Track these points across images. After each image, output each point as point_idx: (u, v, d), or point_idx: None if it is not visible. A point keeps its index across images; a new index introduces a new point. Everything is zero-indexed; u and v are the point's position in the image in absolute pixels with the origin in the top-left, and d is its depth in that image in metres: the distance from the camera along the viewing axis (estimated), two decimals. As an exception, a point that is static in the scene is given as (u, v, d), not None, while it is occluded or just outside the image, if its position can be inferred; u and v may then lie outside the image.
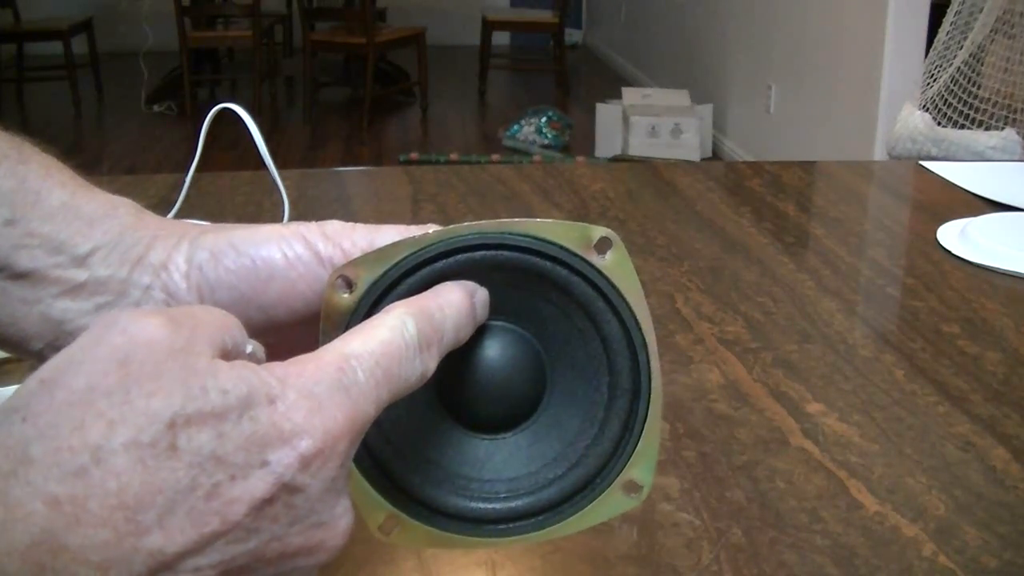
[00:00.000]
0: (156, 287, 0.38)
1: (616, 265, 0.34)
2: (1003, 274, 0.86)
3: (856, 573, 0.48)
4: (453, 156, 4.54)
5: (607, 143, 4.71)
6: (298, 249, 0.36)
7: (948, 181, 1.11)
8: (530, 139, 4.79)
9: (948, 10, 1.57)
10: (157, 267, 0.38)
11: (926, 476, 0.56)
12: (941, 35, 1.57)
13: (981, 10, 1.50)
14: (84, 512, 0.24)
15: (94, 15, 5.91)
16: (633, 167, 1.19)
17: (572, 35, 7.34)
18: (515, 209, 1.01)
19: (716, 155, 4.73)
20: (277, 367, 0.29)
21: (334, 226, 0.37)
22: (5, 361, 0.66)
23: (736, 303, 0.79)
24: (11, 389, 0.60)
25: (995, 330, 0.75)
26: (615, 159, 4.47)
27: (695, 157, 4.47)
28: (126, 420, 0.25)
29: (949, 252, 0.90)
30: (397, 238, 0.35)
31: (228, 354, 0.29)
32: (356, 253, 0.35)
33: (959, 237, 0.92)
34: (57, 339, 0.39)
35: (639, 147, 4.53)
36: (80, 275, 0.38)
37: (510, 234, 0.33)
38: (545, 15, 6.09)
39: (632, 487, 0.35)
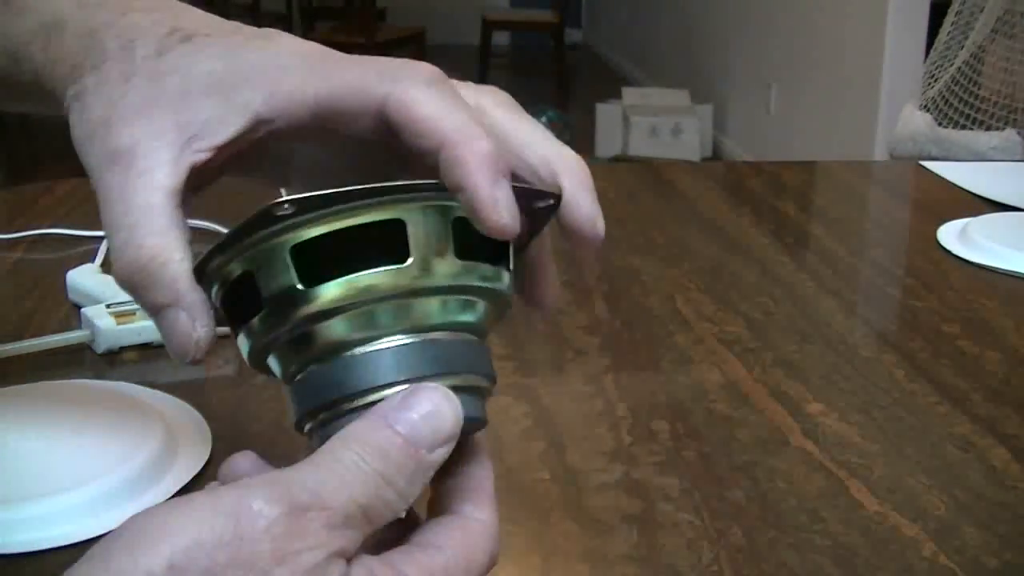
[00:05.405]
0: None
1: None
2: (1003, 274, 0.86)
3: (856, 573, 0.48)
4: (453, 156, 4.53)
5: (607, 143, 4.71)
6: None
7: (948, 181, 1.11)
8: (530, 139, 4.78)
9: (949, 10, 1.57)
10: None
11: (926, 476, 0.56)
12: (942, 35, 1.57)
13: (982, 10, 1.50)
14: None
15: (94, 15, 5.90)
16: (633, 167, 1.19)
17: (572, 35, 7.34)
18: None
19: (716, 155, 4.73)
20: None
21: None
22: (5, 361, 0.66)
23: (736, 303, 0.79)
24: (10, 389, 0.60)
25: (995, 330, 0.75)
26: (615, 159, 4.47)
27: (695, 157, 4.47)
28: None
29: (949, 252, 0.90)
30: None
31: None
32: None
33: (959, 237, 0.92)
34: None
35: (639, 147, 4.53)
36: None
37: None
38: (545, 15, 6.09)
39: None
